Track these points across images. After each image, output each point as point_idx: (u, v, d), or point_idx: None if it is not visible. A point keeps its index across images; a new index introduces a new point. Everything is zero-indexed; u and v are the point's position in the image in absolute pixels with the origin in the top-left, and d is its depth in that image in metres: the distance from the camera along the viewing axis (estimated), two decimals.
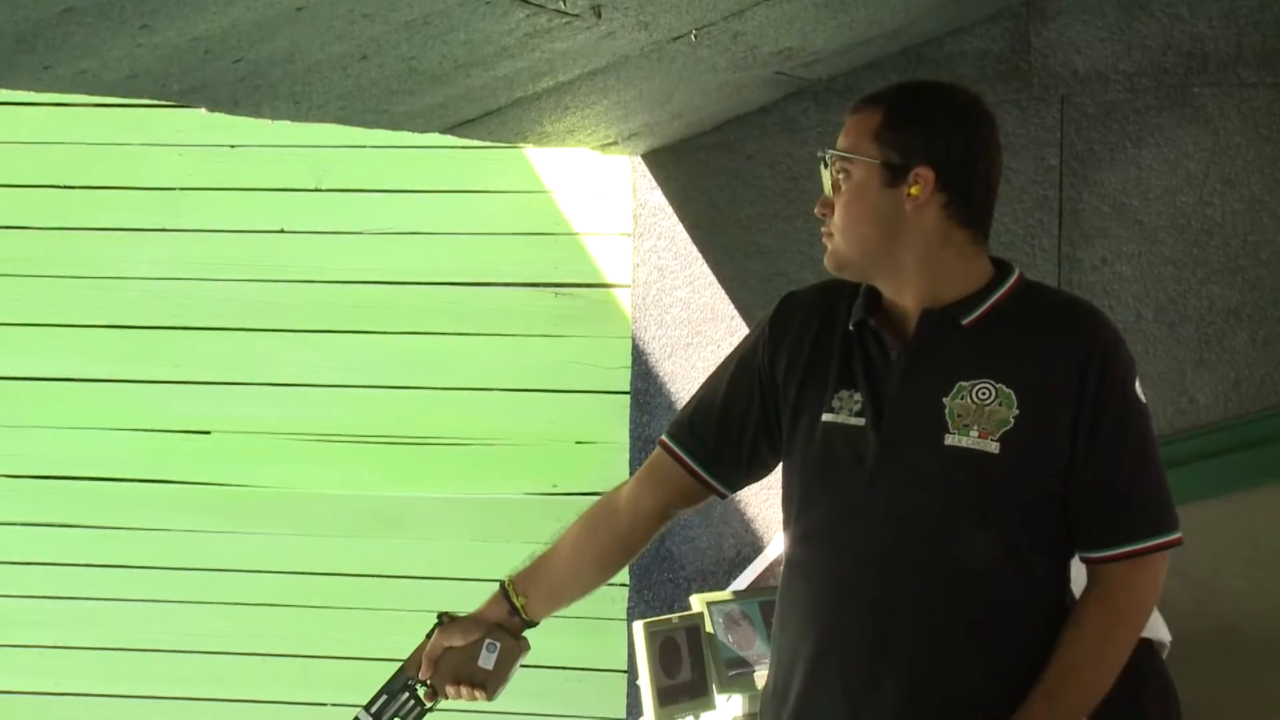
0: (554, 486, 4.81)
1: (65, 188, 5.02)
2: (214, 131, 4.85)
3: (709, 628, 3.87)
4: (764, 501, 4.44)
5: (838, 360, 2.50)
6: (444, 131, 3.58)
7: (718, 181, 4.54)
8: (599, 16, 2.89)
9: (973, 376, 2.42)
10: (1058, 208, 4.29)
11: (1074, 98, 4.28)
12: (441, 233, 4.85)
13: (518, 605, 2.70)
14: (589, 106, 3.76)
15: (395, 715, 2.65)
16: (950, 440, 2.40)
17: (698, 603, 3.94)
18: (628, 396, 4.68)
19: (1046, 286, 2.65)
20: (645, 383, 4.64)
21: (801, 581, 2.53)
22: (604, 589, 4.63)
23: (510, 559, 4.78)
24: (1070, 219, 4.28)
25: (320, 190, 4.89)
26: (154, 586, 5.02)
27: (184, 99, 2.70)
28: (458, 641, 2.67)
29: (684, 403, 4.52)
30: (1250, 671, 4.14)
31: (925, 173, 2.43)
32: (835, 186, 2.49)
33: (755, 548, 4.45)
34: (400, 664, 2.69)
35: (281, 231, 4.94)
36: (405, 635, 4.84)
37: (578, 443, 4.81)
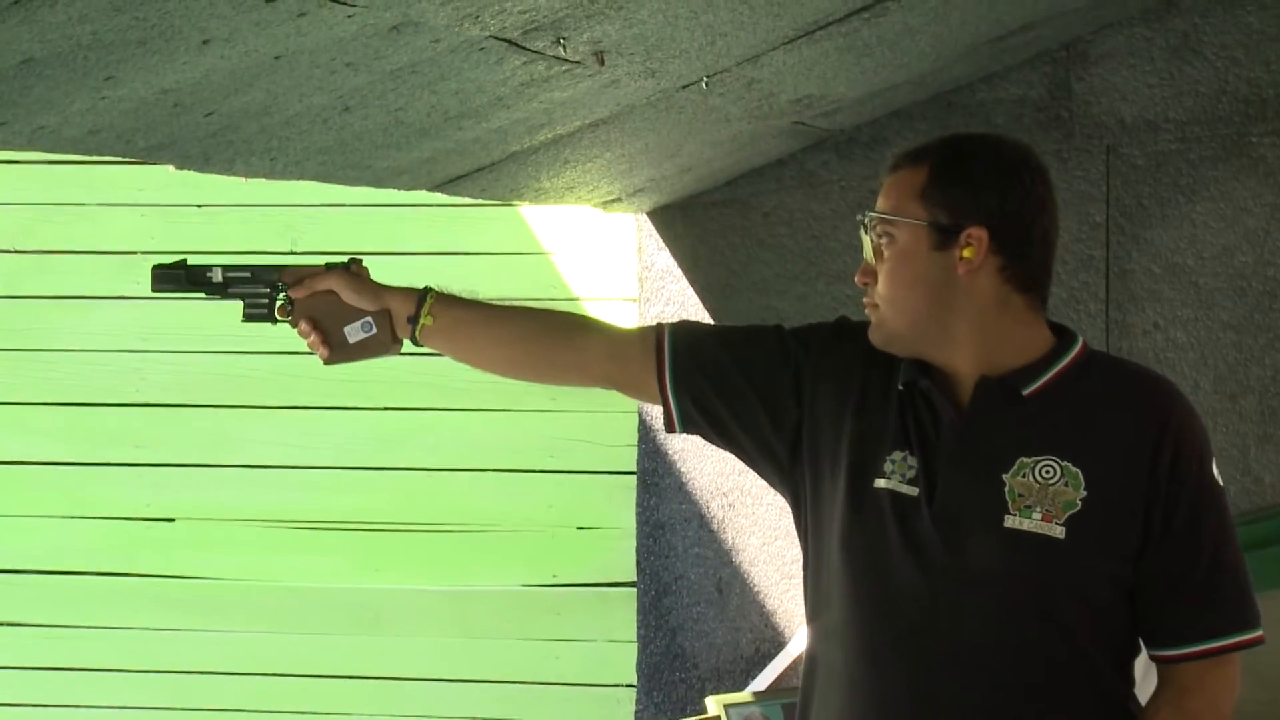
0: (553, 577, 4.80)
1: (16, 252, 5.05)
2: (179, 190, 4.88)
3: None
4: (784, 593, 4.43)
5: (894, 416, 2.49)
6: (432, 189, 3.60)
7: (731, 241, 4.56)
8: (602, 63, 2.92)
9: (1036, 452, 2.40)
10: (1104, 268, 4.30)
11: (1120, 148, 4.30)
12: None
13: (421, 321, 2.68)
14: (590, 160, 3.79)
15: (244, 300, 2.67)
16: (1010, 522, 2.38)
17: (714, 705, 3.93)
18: (634, 477, 4.68)
19: (1113, 356, 2.65)
20: (653, 462, 4.64)
21: (835, 676, 2.51)
22: (610, 690, 4.68)
23: (505, 658, 4.82)
24: (1118, 280, 4.30)
25: (295, 253, 4.91)
26: (113, 691, 5.00)
27: (150, 156, 2.72)
28: (346, 297, 2.67)
29: (695, 483, 4.57)
30: None
31: (978, 233, 2.42)
32: (877, 252, 2.47)
33: (776, 643, 4.44)
34: (283, 267, 2.68)
35: None
36: None
37: (579, 528, 4.81)
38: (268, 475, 4.97)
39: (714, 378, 2.58)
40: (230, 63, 2.32)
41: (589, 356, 2.68)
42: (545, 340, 2.71)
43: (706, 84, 3.33)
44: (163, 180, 4.82)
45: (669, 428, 2.64)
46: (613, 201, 4.41)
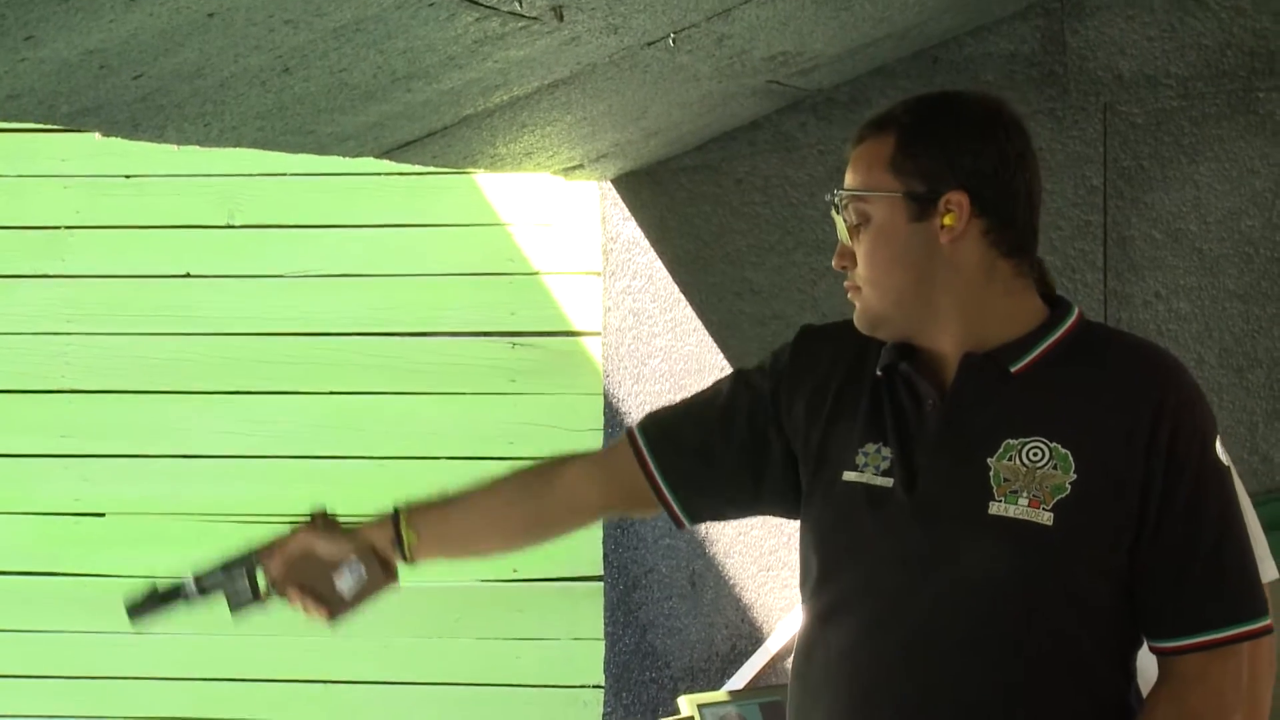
0: (514, 572, 4.81)
1: None
2: (106, 159, 4.87)
3: None
4: (761, 585, 4.44)
5: (866, 408, 2.51)
6: (379, 156, 3.60)
7: (702, 210, 4.57)
8: (560, 19, 2.92)
9: (1023, 434, 2.42)
10: (1102, 235, 4.33)
11: (1119, 106, 4.32)
12: (377, 275, 4.86)
13: (406, 541, 2.71)
14: (550, 124, 3.79)
15: (226, 595, 2.70)
16: (995, 509, 2.40)
17: (687, 705, 3.96)
18: None
19: (1111, 329, 2.67)
20: None
21: (818, 672, 2.54)
22: (577, 691, 4.70)
23: (462, 659, 4.83)
24: (1117, 247, 4.32)
25: (233, 227, 4.90)
26: (37, 700, 4.99)
27: (74, 122, 2.72)
28: (323, 552, 2.69)
29: None
30: None
31: (958, 198, 2.43)
32: (852, 232, 2.49)
33: (753, 640, 4.45)
34: (251, 550, 2.72)
35: (187, 276, 4.95)
36: None
37: None
38: (204, 466, 4.97)
39: (704, 460, 2.62)
40: (160, 20, 2.32)
41: (578, 492, 2.71)
42: (526, 507, 2.73)
43: (674, 41, 3.34)
44: (88, 149, 4.81)
45: (678, 525, 2.69)
46: (574, 168, 4.41)
